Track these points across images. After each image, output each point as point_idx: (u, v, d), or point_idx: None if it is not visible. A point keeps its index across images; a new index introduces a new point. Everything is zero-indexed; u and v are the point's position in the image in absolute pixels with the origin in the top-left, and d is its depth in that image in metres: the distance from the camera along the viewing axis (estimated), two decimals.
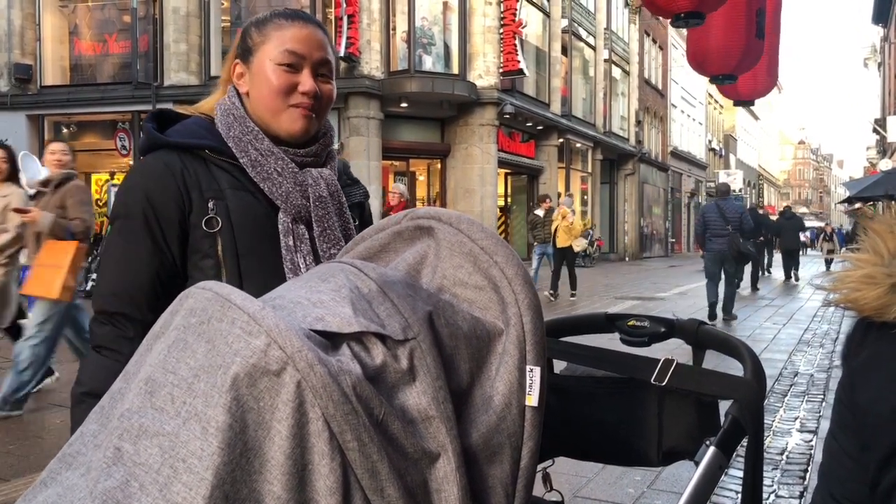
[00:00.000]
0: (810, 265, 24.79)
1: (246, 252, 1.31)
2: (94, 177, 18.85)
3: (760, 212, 18.32)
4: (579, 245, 12.85)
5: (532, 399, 0.93)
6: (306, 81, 1.34)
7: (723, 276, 9.61)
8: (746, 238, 9.94)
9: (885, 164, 27.64)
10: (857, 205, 25.77)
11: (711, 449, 1.06)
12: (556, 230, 12.29)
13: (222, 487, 0.73)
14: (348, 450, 0.77)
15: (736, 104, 5.91)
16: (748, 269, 13.54)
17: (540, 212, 12.76)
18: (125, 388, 0.85)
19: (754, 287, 14.95)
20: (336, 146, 1.56)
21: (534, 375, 0.93)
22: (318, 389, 0.77)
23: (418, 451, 0.84)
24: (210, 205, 1.31)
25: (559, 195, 22.71)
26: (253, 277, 1.31)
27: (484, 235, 1.00)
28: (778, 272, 18.72)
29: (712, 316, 9.49)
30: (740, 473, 1.17)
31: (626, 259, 28.41)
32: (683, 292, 14.14)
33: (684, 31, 4.45)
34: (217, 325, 0.82)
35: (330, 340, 0.86)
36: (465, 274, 0.99)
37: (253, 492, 0.75)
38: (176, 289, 1.28)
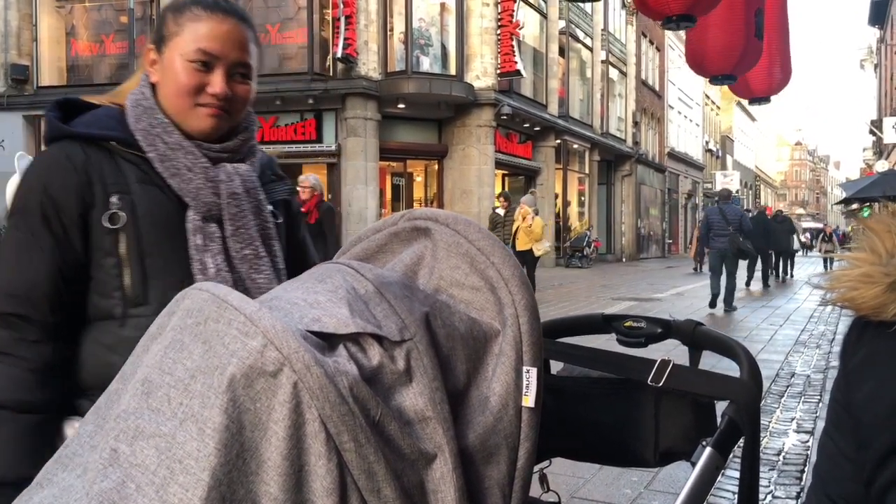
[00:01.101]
0: (808, 266, 24.86)
1: (152, 251, 1.24)
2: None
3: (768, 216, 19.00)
4: (540, 249, 11.33)
5: (529, 400, 0.93)
6: (217, 83, 1.26)
7: (724, 271, 10.60)
8: (746, 237, 10.75)
9: (881, 166, 27.72)
10: (854, 205, 25.83)
11: (708, 450, 1.06)
12: (516, 231, 11.14)
13: (219, 488, 0.73)
14: (345, 451, 0.77)
15: (751, 102, 5.87)
16: (756, 266, 14.88)
17: (501, 210, 11.73)
18: (122, 389, 0.85)
19: (765, 284, 15.99)
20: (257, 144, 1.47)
21: (530, 376, 0.93)
22: (315, 390, 0.77)
23: (415, 452, 0.84)
24: (114, 199, 1.22)
25: (556, 196, 22.76)
26: (158, 278, 1.24)
27: (481, 236, 1.01)
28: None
29: (713, 304, 10.66)
30: (737, 474, 1.17)
31: (623, 260, 28.43)
32: (680, 293, 14.16)
33: (682, 33, 4.46)
34: (214, 325, 0.82)
35: (326, 341, 0.86)
36: (462, 275, 0.99)
37: (249, 493, 0.75)
38: (81, 287, 1.23)
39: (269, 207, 1.38)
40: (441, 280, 1.00)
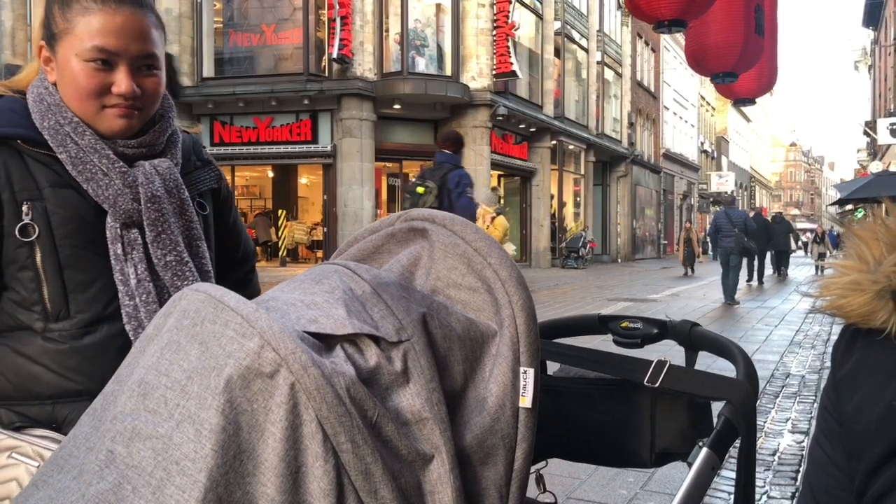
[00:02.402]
0: (806, 267, 24.94)
1: (70, 262, 1.15)
2: None
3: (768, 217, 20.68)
4: None
5: (526, 400, 0.93)
6: (122, 81, 1.15)
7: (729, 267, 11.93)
8: (749, 238, 12.34)
9: (875, 167, 27.80)
10: (849, 206, 26.00)
11: (704, 450, 1.06)
12: None
13: (216, 490, 0.73)
14: (342, 452, 0.77)
15: (736, 104, 5.92)
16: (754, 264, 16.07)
17: None
18: (118, 391, 0.85)
19: (760, 280, 16.90)
20: (191, 129, 1.35)
21: (527, 377, 0.93)
22: (312, 391, 0.77)
23: (412, 453, 0.84)
24: (24, 208, 1.13)
25: (552, 197, 22.77)
26: (79, 290, 1.17)
27: (477, 237, 1.01)
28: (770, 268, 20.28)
29: (726, 295, 11.87)
30: (733, 474, 1.18)
31: (619, 261, 28.47)
32: (676, 294, 14.18)
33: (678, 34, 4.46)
34: (210, 326, 0.82)
35: (323, 342, 0.86)
36: (459, 275, 0.99)
37: (246, 494, 0.74)
38: None
39: (198, 199, 1.32)
40: (438, 281, 1.00)
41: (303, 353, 0.78)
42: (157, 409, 0.78)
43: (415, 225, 1.06)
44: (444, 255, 1.00)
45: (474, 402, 0.92)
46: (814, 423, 4.80)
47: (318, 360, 0.79)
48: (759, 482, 3.61)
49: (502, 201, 21.78)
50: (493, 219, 9.66)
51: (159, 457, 0.75)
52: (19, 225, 1.13)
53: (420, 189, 5.55)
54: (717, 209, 23.98)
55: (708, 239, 20.00)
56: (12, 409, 1.17)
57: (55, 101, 1.17)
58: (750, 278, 16.45)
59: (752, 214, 16.58)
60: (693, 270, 20.23)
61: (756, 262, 16.68)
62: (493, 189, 12.85)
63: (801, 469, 3.87)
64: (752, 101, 5.41)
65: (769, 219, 19.96)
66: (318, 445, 0.77)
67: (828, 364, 6.64)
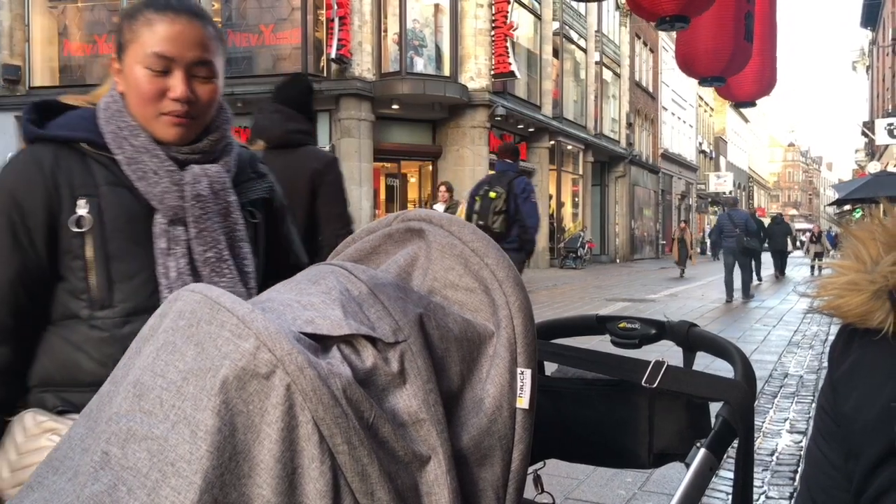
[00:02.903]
0: (804, 267, 24.98)
1: (118, 254, 1.24)
2: None
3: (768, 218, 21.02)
4: None
5: (523, 401, 0.93)
6: (177, 87, 1.24)
7: (736, 266, 12.61)
8: (750, 238, 12.91)
9: (873, 167, 27.83)
10: (847, 206, 26.09)
11: (702, 451, 1.06)
12: None
13: (211, 491, 0.72)
14: (338, 453, 0.77)
15: (737, 106, 5.96)
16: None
17: (439, 206, 9.93)
18: (113, 392, 0.84)
19: (758, 277, 16.99)
20: (252, 146, 1.45)
21: (525, 378, 0.93)
22: (308, 392, 0.77)
23: (409, 454, 0.83)
24: (81, 202, 1.23)
25: (550, 197, 22.77)
26: (124, 282, 1.24)
27: (475, 237, 1.00)
28: (769, 268, 20.38)
29: (730, 298, 12.35)
30: (730, 475, 1.18)
31: (617, 261, 28.48)
32: (674, 294, 14.19)
33: (675, 34, 4.47)
34: (206, 327, 0.82)
35: (320, 343, 0.85)
36: (456, 276, 0.99)
37: (242, 496, 0.74)
38: (45, 290, 1.26)
39: (248, 207, 1.38)
40: (435, 281, 1.00)
41: (299, 354, 0.78)
42: (152, 410, 0.78)
43: (412, 225, 1.06)
44: (442, 256, 1.00)
45: (471, 403, 0.92)
46: (812, 423, 4.82)
47: (314, 361, 0.79)
48: (757, 482, 3.61)
49: None
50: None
51: (154, 458, 0.74)
52: (74, 217, 1.23)
53: (492, 194, 5.97)
54: (720, 210, 24.53)
55: (707, 239, 20.83)
56: (58, 394, 1.24)
57: (119, 107, 1.28)
58: (751, 279, 16.79)
59: (726, 210, 17.34)
60: (683, 272, 19.76)
61: (753, 263, 17.00)
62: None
63: (799, 469, 3.87)
64: (752, 104, 5.43)
65: (768, 219, 20.43)
66: (315, 447, 0.76)
67: (826, 364, 6.64)
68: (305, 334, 0.85)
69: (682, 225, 21.86)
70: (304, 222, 3.12)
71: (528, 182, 6.30)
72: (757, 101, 5.36)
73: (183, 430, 0.75)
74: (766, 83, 5.09)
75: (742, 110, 51.20)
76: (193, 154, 1.30)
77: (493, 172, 6.54)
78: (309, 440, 0.77)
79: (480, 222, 5.93)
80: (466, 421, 0.91)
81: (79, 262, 1.23)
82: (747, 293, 12.73)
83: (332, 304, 0.90)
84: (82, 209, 1.23)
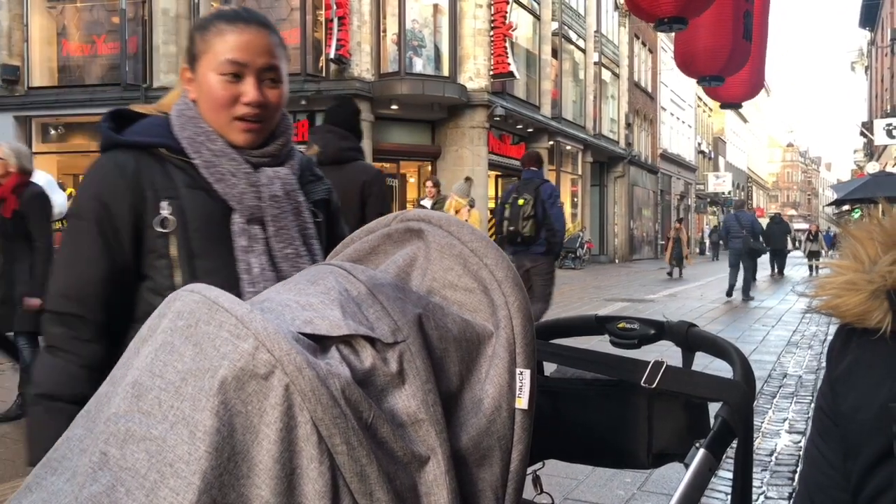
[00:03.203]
0: (803, 266, 25.01)
1: (200, 252, 1.31)
2: (82, 178, 18.68)
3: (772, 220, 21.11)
4: None
5: (522, 402, 0.92)
6: (249, 91, 1.32)
7: (741, 266, 13.12)
8: (756, 238, 13.68)
9: (872, 167, 27.85)
10: (846, 207, 26.17)
11: (701, 451, 1.06)
12: None
13: (210, 492, 0.72)
14: (337, 454, 0.77)
15: (722, 107, 5.95)
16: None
17: (427, 202, 9.50)
18: (111, 392, 0.84)
19: (745, 293, 16.73)
20: (307, 151, 1.54)
21: (524, 378, 0.93)
22: (307, 393, 0.76)
23: (408, 455, 0.83)
24: (164, 204, 1.30)
25: None
26: (208, 278, 1.27)
27: (474, 238, 1.00)
28: (764, 268, 20.68)
29: (729, 293, 12.94)
30: (729, 475, 1.18)
31: (616, 261, 28.48)
32: (673, 294, 14.19)
33: (673, 34, 4.48)
34: (205, 328, 0.81)
35: (319, 343, 0.85)
36: (455, 276, 0.99)
37: (241, 496, 0.74)
38: (130, 289, 1.32)
39: (311, 208, 1.45)
40: (434, 281, 1.00)
41: (297, 355, 0.78)
42: (150, 410, 0.78)
43: (411, 225, 1.05)
44: (441, 256, 1.00)
45: (470, 404, 0.92)
46: (810, 423, 4.82)
47: (313, 362, 0.79)
48: (756, 482, 3.61)
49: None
50: (468, 211, 9.31)
51: (153, 459, 0.74)
52: (159, 218, 1.30)
53: (521, 201, 6.46)
54: (718, 210, 25.14)
55: (707, 240, 21.17)
56: None
57: (193, 114, 1.35)
58: (753, 279, 16.98)
59: (733, 212, 17.82)
60: (681, 273, 19.20)
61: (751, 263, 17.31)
62: (467, 179, 12.22)
63: (797, 469, 3.87)
64: (738, 106, 5.46)
65: (766, 220, 20.63)
66: (313, 447, 0.76)
67: (825, 364, 6.64)
68: (304, 335, 0.85)
69: (678, 224, 20.86)
70: (354, 226, 3.39)
71: (554, 188, 6.80)
72: (745, 103, 5.38)
73: (181, 430, 0.75)
74: (754, 85, 5.10)
75: (741, 111, 51.22)
76: (264, 157, 1.37)
77: (518, 180, 6.98)
78: (308, 441, 0.76)
79: (511, 227, 6.42)
80: (465, 421, 0.91)
81: (164, 260, 1.30)
82: (748, 294, 12.95)
83: (330, 305, 0.90)
84: (165, 210, 1.30)
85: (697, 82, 4.73)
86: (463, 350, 0.94)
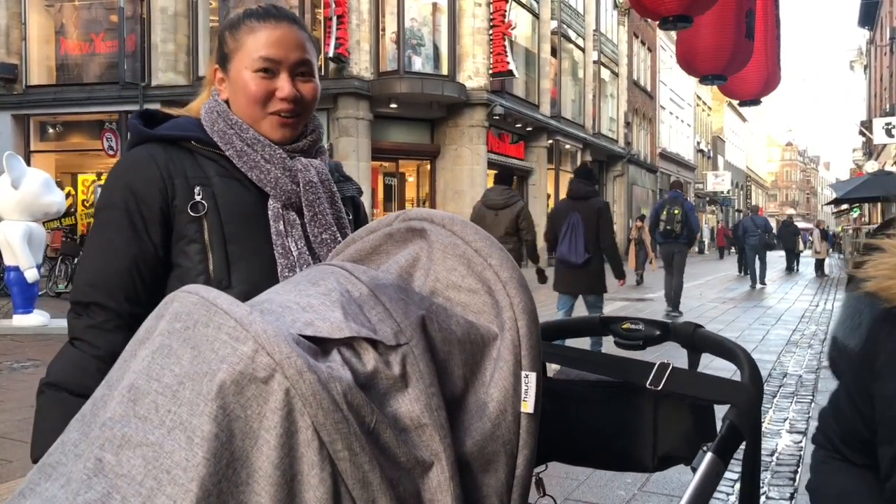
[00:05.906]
0: (810, 265, 25.21)
1: (233, 237, 1.30)
2: (80, 177, 18.69)
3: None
4: None
5: (528, 405, 0.90)
6: (284, 86, 1.32)
7: (757, 261, 16.84)
8: (769, 237, 17.65)
9: (871, 166, 27.89)
10: (844, 206, 26.64)
11: (709, 455, 1.04)
12: None
13: (208, 500, 0.70)
14: (339, 459, 0.75)
15: (741, 104, 5.92)
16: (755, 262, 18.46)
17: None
18: (108, 396, 0.82)
19: (762, 280, 17.89)
20: (325, 145, 1.55)
21: (529, 381, 0.91)
22: (308, 397, 0.74)
23: (411, 460, 0.81)
24: (196, 190, 1.29)
25: (548, 196, 22.75)
26: (240, 263, 1.29)
27: (477, 237, 0.98)
28: (781, 264, 24.24)
29: (753, 285, 16.44)
30: (729, 475, 1.16)
31: None
32: None
33: (673, 34, 4.47)
34: (203, 330, 0.79)
35: (320, 346, 0.83)
36: (459, 277, 0.97)
37: None
38: (158, 279, 1.30)
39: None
40: (437, 282, 0.97)
41: (298, 358, 0.75)
42: (147, 415, 0.76)
43: (413, 225, 1.03)
44: (444, 256, 0.98)
45: (475, 408, 0.90)
46: (811, 422, 4.81)
47: (313, 365, 0.77)
48: None
49: None
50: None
51: (150, 465, 0.72)
52: (191, 202, 1.29)
53: (676, 211, 10.04)
54: (717, 210, 26.69)
55: (706, 239, 23.17)
56: None
57: (224, 111, 1.35)
58: (765, 269, 19.00)
59: (749, 215, 20.58)
60: (642, 279, 16.75)
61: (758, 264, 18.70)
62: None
63: (799, 469, 3.86)
64: (757, 102, 5.43)
65: (780, 223, 25.38)
66: (314, 453, 0.74)
67: (825, 363, 6.64)
68: (305, 337, 0.83)
69: (639, 223, 17.44)
70: (593, 240, 6.30)
71: (692, 204, 10.84)
72: (762, 100, 5.36)
73: (179, 436, 0.73)
74: (770, 81, 5.09)
75: (740, 109, 51.19)
76: (295, 152, 1.37)
77: (667, 196, 10.68)
78: (308, 446, 0.74)
79: (668, 227, 10.04)
80: (470, 426, 0.89)
81: (196, 245, 1.29)
82: (763, 280, 16.83)
83: (332, 306, 0.88)
84: (198, 195, 1.29)
85: (700, 81, 4.72)
86: (467, 352, 0.92)
